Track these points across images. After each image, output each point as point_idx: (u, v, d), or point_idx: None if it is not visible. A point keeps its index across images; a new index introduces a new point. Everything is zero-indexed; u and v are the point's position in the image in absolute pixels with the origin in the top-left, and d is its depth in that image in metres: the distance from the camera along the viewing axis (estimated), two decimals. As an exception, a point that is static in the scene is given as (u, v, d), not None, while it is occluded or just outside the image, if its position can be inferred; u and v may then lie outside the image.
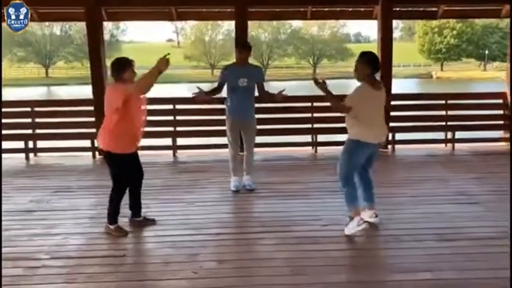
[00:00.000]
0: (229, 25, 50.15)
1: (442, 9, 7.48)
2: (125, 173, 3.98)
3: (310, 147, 7.30)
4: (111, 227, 3.97)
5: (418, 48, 60.10)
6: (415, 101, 8.05)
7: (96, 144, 5.64)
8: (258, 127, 5.40)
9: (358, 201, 3.94)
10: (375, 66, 3.77)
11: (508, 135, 7.38)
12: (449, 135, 7.32)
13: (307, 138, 7.33)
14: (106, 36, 47.81)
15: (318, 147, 7.23)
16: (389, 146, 7.25)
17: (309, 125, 7.29)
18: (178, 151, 7.09)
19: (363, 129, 3.77)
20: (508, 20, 7.46)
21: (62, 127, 7.14)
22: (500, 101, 7.41)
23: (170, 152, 7.04)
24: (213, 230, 4.03)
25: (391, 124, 7.23)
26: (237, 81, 4.94)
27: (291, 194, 5.01)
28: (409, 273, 3.22)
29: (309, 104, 7.31)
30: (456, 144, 7.29)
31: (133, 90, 3.74)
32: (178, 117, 7.15)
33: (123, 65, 3.86)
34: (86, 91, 8.35)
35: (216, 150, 6.95)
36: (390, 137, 7.27)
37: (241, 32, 6.86)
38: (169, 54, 3.81)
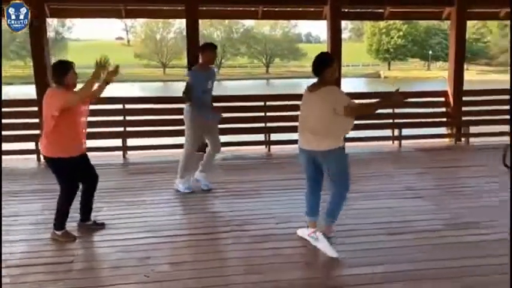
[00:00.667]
0: (180, 23, 49.59)
1: (388, 11, 7.75)
2: (71, 177, 3.82)
3: (264, 146, 7.36)
4: (58, 232, 3.81)
5: (367, 48, 62.13)
6: (362, 100, 8.24)
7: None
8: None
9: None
10: (313, 70, 3.59)
11: (449, 132, 7.79)
12: (396, 132, 7.60)
13: (261, 137, 7.38)
14: (51, 34, 45.88)
15: (272, 146, 7.30)
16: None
17: (263, 124, 7.35)
18: (129, 152, 6.92)
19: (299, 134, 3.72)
20: (448, 22, 7.85)
21: (6, 129, 6.76)
22: (443, 99, 7.78)
23: (120, 153, 6.85)
24: (167, 232, 3.96)
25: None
26: (207, 83, 5.01)
27: (245, 193, 5.02)
28: (362, 267, 3.31)
29: (262, 103, 7.36)
30: (403, 141, 7.59)
31: (73, 101, 3.60)
32: (128, 118, 6.97)
33: (64, 69, 3.65)
34: (27, 91, 7.97)
35: (168, 150, 6.87)
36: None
37: (192, 30, 6.79)
38: (107, 61, 3.68)
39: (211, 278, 3.19)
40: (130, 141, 7.00)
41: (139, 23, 62.71)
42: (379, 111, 8.11)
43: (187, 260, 3.47)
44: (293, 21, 61.12)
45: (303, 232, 3.78)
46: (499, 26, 54.05)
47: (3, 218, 4.22)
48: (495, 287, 3.02)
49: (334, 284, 3.17)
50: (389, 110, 7.70)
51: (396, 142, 7.61)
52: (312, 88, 3.60)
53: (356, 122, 7.85)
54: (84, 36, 75.53)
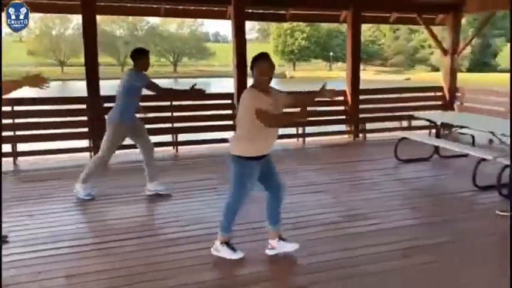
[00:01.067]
0: (79, 19, 46.70)
1: (290, 13, 8.02)
2: None
3: (171, 147, 7.20)
4: None
5: (273, 49, 63.82)
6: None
7: None
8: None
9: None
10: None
11: (348, 128, 8.27)
12: (300, 130, 7.89)
13: (168, 137, 7.21)
14: None
15: (179, 147, 7.17)
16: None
17: (169, 125, 7.19)
18: (19, 158, 6.36)
19: None
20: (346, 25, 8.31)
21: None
22: (342, 98, 8.22)
23: (10, 159, 6.26)
24: (64, 243, 3.68)
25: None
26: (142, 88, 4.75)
27: (151, 197, 4.85)
28: (268, 263, 3.36)
29: (169, 103, 7.19)
30: (307, 139, 7.91)
31: None
32: (18, 120, 6.40)
33: None
34: None
35: (62, 155, 6.50)
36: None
37: (89, 26, 6.42)
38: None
39: (115, 288, 3.02)
40: (22, 147, 6.43)
41: (33, 18, 57.98)
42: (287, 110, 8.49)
43: (88, 271, 3.24)
44: (199, 20, 60.70)
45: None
46: (391, 29, 58.84)
47: None
48: (386, 274, 3.24)
49: (233, 282, 3.16)
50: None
51: (301, 139, 7.91)
52: None
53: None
54: (-33, 31, 67.94)
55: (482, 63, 57.14)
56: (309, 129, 7.98)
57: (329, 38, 62.34)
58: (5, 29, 3.71)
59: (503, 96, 8.26)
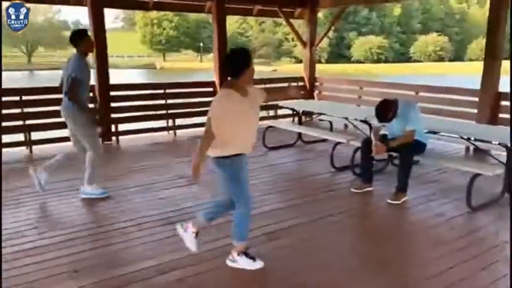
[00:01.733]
0: None
1: (154, 1, 7.74)
2: None
3: (25, 147, 6.50)
4: None
5: (141, 39, 61.68)
6: (136, 91, 8.06)
7: None
8: None
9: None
10: None
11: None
12: (171, 122, 7.74)
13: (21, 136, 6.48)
14: None
15: (34, 146, 6.51)
16: (114, 138, 7.18)
17: (21, 122, 6.47)
18: None
19: None
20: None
21: None
22: (211, 89, 8.25)
23: None
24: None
25: (113, 115, 7.15)
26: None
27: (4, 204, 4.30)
28: (133, 264, 3.20)
29: (18, 98, 6.45)
30: (178, 131, 7.79)
31: None
32: None
33: None
34: None
35: None
36: (113, 128, 7.18)
37: None
38: None
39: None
40: None
41: None
42: (156, 102, 8.27)
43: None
44: (55, 7, 55.78)
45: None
46: (257, 21, 61.06)
47: None
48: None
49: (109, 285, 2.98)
50: (163, 101, 7.79)
51: (171, 132, 7.76)
52: None
53: (131, 114, 7.79)
54: None
55: (339, 54, 62.77)
56: (179, 121, 7.86)
57: (198, 29, 62.38)
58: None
59: (354, 85, 9.16)
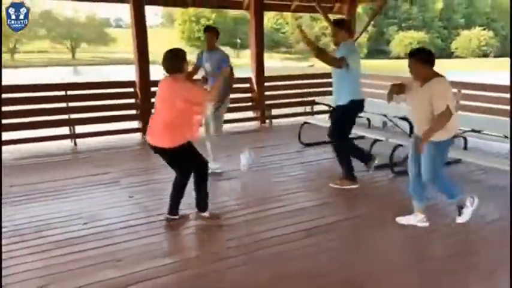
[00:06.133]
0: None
1: (192, -1, 7.83)
2: None
3: (69, 140, 6.74)
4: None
5: (180, 35, 62.53)
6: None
7: None
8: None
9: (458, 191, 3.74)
10: (433, 62, 3.41)
11: (256, 115, 8.40)
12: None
13: (65, 130, 6.73)
14: None
15: (78, 140, 6.74)
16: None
17: (66, 116, 6.71)
18: None
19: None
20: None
21: None
22: (248, 85, 8.29)
23: None
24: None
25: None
26: None
27: (47, 195, 4.50)
28: (166, 258, 3.28)
29: (64, 93, 6.70)
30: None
31: None
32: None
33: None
34: None
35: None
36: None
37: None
38: None
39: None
40: None
41: None
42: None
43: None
44: (97, 4, 57.28)
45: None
46: (293, 17, 60.66)
47: None
48: (290, 253, 3.35)
49: (140, 277, 3.06)
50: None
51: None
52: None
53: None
54: None
55: (377, 50, 61.46)
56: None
57: (235, 25, 62.59)
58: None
59: (394, 81, 8.91)
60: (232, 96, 8.24)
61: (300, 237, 3.57)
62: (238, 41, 61.03)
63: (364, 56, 56.11)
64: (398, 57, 58.88)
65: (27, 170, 5.43)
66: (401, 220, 3.82)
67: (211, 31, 5.09)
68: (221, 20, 61.44)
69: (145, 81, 7.05)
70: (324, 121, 7.11)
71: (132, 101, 7.15)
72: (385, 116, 5.93)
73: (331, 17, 9.23)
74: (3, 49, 49.74)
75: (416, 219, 3.76)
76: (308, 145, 6.60)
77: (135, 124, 7.27)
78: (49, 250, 3.34)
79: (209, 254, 3.32)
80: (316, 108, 8.73)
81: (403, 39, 59.83)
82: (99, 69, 38.39)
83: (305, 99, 8.60)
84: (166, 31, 66.50)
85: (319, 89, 9.09)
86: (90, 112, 6.94)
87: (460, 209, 3.77)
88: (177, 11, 63.20)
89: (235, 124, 8.13)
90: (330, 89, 9.19)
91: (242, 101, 8.34)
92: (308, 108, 8.89)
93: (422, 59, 3.38)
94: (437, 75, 3.40)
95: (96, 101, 6.94)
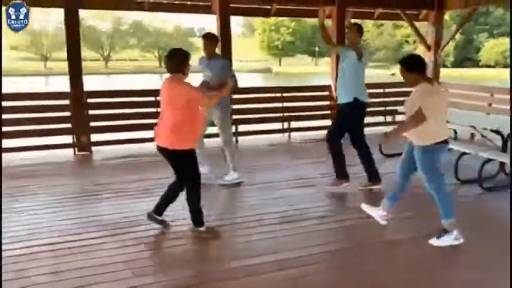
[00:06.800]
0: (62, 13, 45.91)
1: (275, 8, 7.99)
2: None
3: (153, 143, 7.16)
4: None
5: (259, 44, 63.73)
6: (255, 94, 8.39)
7: None
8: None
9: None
10: (420, 68, 3.50)
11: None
12: (286, 125, 7.92)
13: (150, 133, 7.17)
14: None
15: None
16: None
17: (154, 120, 7.14)
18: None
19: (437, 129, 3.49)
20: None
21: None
22: (327, 92, 8.25)
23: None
24: (46, 240, 3.64)
25: (234, 117, 7.53)
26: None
27: (134, 193, 4.82)
28: (254, 258, 3.35)
29: (153, 99, 7.14)
30: (292, 133, 7.94)
31: None
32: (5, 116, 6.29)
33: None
34: None
35: (47, 151, 6.47)
36: (234, 129, 7.56)
37: (72, 20, 6.38)
38: None
39: (95, 285, 2.99)
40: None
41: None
42: (272, 105, 8.46)
43: (68, 268, 3.21)
44: (184, 15, 60.18)
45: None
46: (375, 25, 59.16)
47: None
48: (377, 264, 3.27)
49: (224, 276, 3.16)
50: (279, 104, 8.00)
51: (286, 134, 7.93)
52: (431, 82, 3.55)
53: (246, 116, 8.06)
54: None
55: (465, 58, 57.93)
56: (294, 124, 8.00)
57: (314, 33, 62.46)
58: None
59: (484, 91, 8.40)
60: (310, 104, 8.37)
61: (378, 249, 3.47)
62: (317, 49, 60.83)
63: (451, 65, 53.22)
64: (488, 66, 55.06)
65: (116, 169, 5.83)
66: (365, 208, 3.99)
67: (210, 38, 4.93)
68: (300, 28, 61.70)
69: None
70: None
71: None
72: (474, 127, 5.59)
73: (417, 24, 8.94)
74: (98, 57, 53.82)
75: (377, 213, 3.90)
76: (389, 156, 6.40)
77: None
78: (134, 245, 3.57)
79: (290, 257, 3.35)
80: (399, 117, 8.44)
81: (494, 47, 55.80)
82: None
83: (385, 108, 8.37)
84: (247, 40, 68.11)
85: (400, 98, 8.79)
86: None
87: (443, 232, 3.58)
88: (257, 21, 64.53)
89: (314, 132, 8.10)
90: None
91: (320, 109, 8.31)
92: (389, 118, 8.63)
93: (407, 66, 3.49)
94: (426, 80, 3.47)
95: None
